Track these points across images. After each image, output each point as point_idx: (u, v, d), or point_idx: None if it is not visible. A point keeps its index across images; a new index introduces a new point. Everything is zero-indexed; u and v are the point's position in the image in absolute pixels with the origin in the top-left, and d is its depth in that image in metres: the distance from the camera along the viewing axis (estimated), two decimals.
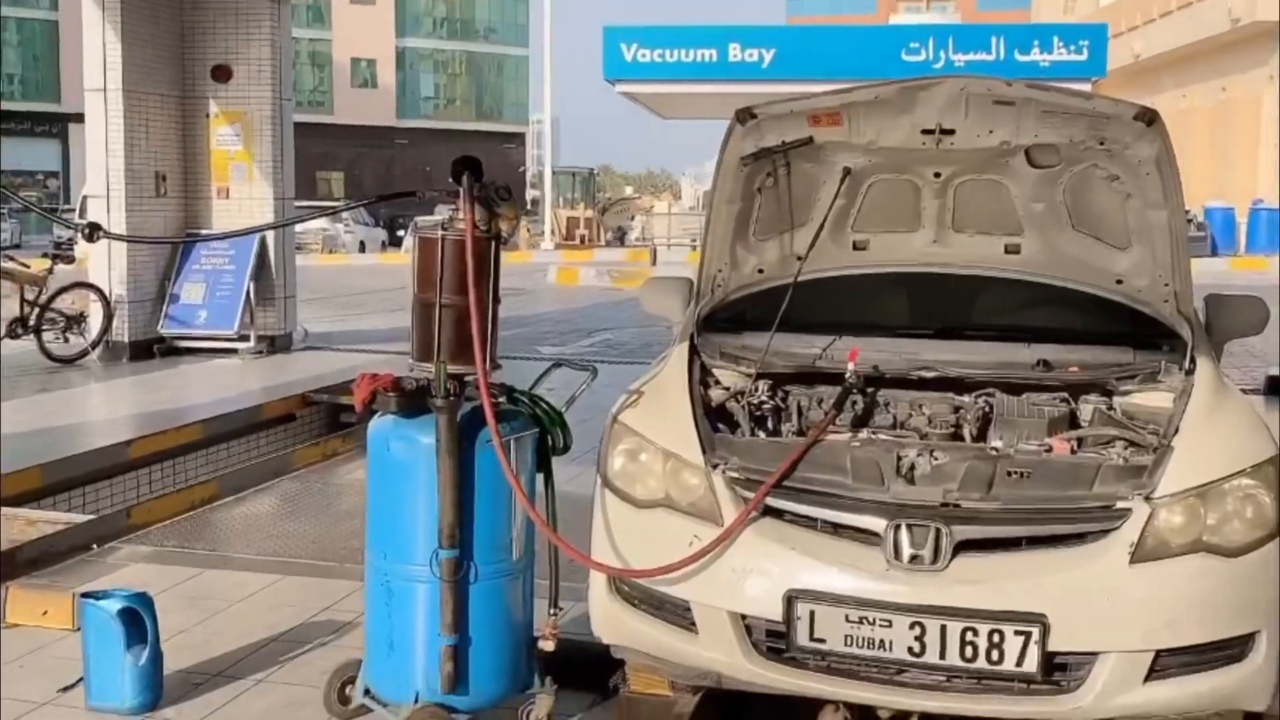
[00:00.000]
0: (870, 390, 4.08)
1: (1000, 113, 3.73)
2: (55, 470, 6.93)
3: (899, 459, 3.60)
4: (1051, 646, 3.27)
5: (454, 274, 3.52)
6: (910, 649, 3.32)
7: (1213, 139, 34.91)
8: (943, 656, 3.30)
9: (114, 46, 11.21)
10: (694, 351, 4.31)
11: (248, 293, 11.88)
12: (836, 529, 3.49)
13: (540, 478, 3.79)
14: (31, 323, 11.03)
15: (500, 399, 3.65)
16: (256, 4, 11.86)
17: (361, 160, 57.23)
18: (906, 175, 4.01)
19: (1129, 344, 4.08)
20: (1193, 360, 3.96)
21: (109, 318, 11.28)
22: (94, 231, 3.66)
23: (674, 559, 3.51)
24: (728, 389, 4.18)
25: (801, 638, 3.40)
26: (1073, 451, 3.68)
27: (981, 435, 3.90)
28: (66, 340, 11.33)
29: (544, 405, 3.77)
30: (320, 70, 57.99)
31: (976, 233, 4.14)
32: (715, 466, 3.65)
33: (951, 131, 3.81)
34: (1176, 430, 3.62)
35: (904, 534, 3.37)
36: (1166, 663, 3.34)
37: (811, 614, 3.37)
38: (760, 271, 4.30)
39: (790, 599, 3.39)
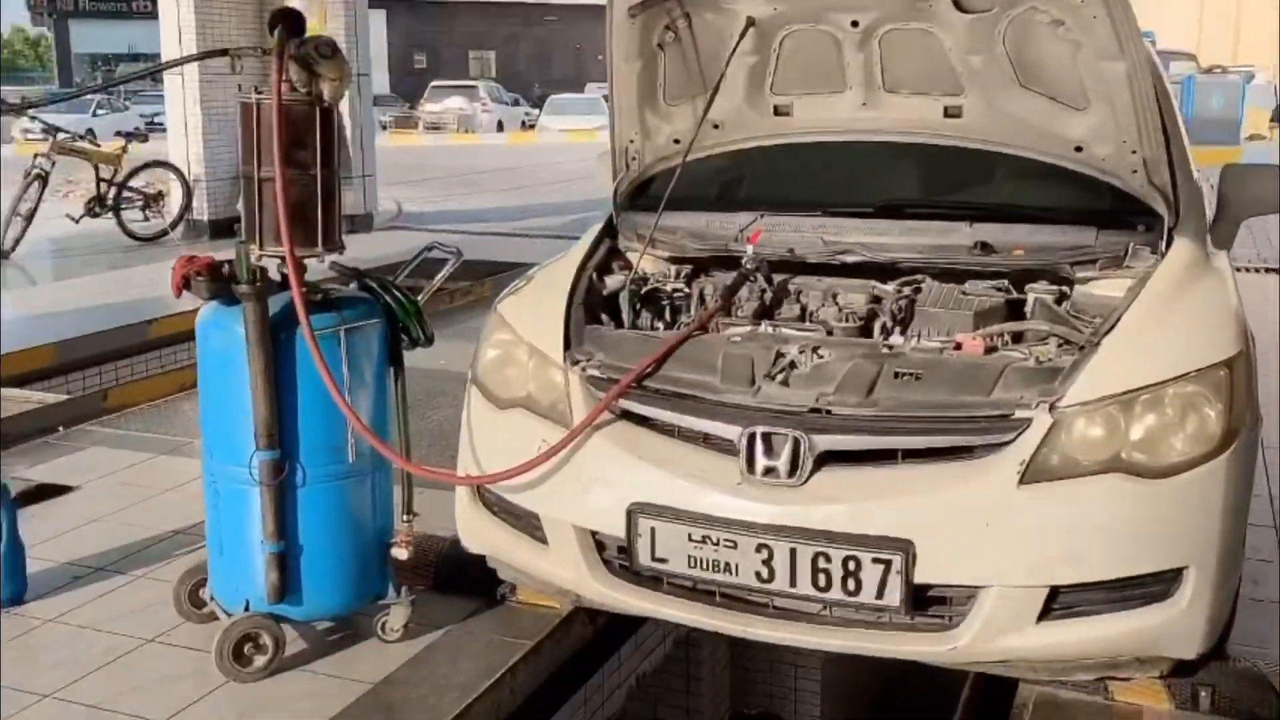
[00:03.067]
0: (784, 278, 3.59)
1: None
2: (70, 349, 6.93)
3: (778, 357, 3.13)
4: (919, 578, 2.81)
5: (275, 143, 3.15)
6: (757, 574, 2.91)
7: None
8: (793, 584, 2.88)
9: None
10: (609, 233, 3.88)
11: None
12: (694, 437, 3.06)
13: (392, 373, 3.43)
14: (110, 201, 11.14)
15: (333, 288, 3.31)
16: None
17: (515, 39, 56.91)
18: (821, 25, 3.43)
19: (1097, 223, 3.46)
20: (1170, 243, 3.35)
21: (188, 196, 11.33)
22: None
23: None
24: (642, 275, 3.75)
25: (643, 556, 3.02)
26: (987, 351, 3.13)
27: (903, 329, 3.38)
28: (146, 219, 11.45)
29: (396, 293, 3.40)
30: None
31: (911, 93, 3.54)
32: (576, 364, 3.25)
33: None
34: (1113, 326, 3.04)
35: (759, 444, 2.92)
36: (1068, 601, 2.85)
37: (653, 531, 2.99)
38: (676, 142, 3.80)
39: (631, 514, 2.99)
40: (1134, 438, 2.84)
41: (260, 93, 3.17)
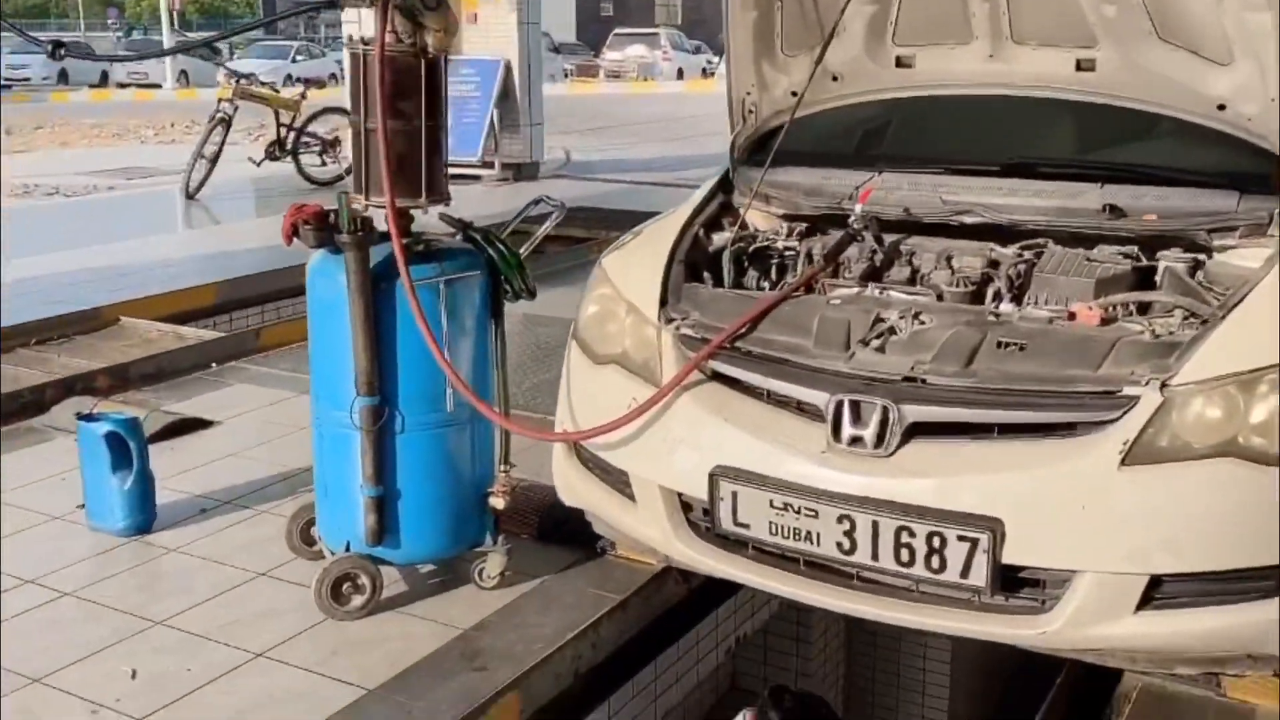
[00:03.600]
0: (898, 238, 3.45)
1: None
2: (230, 288, 7.24)
3: (876, 321, 3.02)
4: (1007, 559, 2.68)
5: (378, 94, 3.17)
6: (839, 545, 2.83)
7: None
8: (875, 558, 2.79)
9: None
10: (725, 188, 3.81)
11: (491, 120, 11.92)
12: (782, 402, 2.98)
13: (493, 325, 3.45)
14: (288, 146, 11.54)
15: (436, 239, 3.33)
16: None
17: None
18: None
19: (1240, 187, 3.22)
20: None
21: None
22: (57, 49, 3.56)
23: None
24: (753, 232, 3.67)
25: (725, 521, 2.97)
26: (1104, 322, 2.95)
27: (1020, 295, 3.22)
28: (324, 163, 11.81)
29: (499, 245, 3.40)
30: None
31: (1040, 45, 3.35)
32: (670, 322, 3.20)
33: None
34: (1241, 299, 2.82)
35: (846, 411, 2.83)
36: (1170, 591, 2.68)
37: (734, 495, 2.93)
38: (794, 94, 3.69)
39: (714, 477, 2.95)
40: (1254, 420, 2.63)
41: (367, 43, 3.20)
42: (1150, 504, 2.63)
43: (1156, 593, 2.67)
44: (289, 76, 20.45)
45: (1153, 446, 2.64)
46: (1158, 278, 3.17)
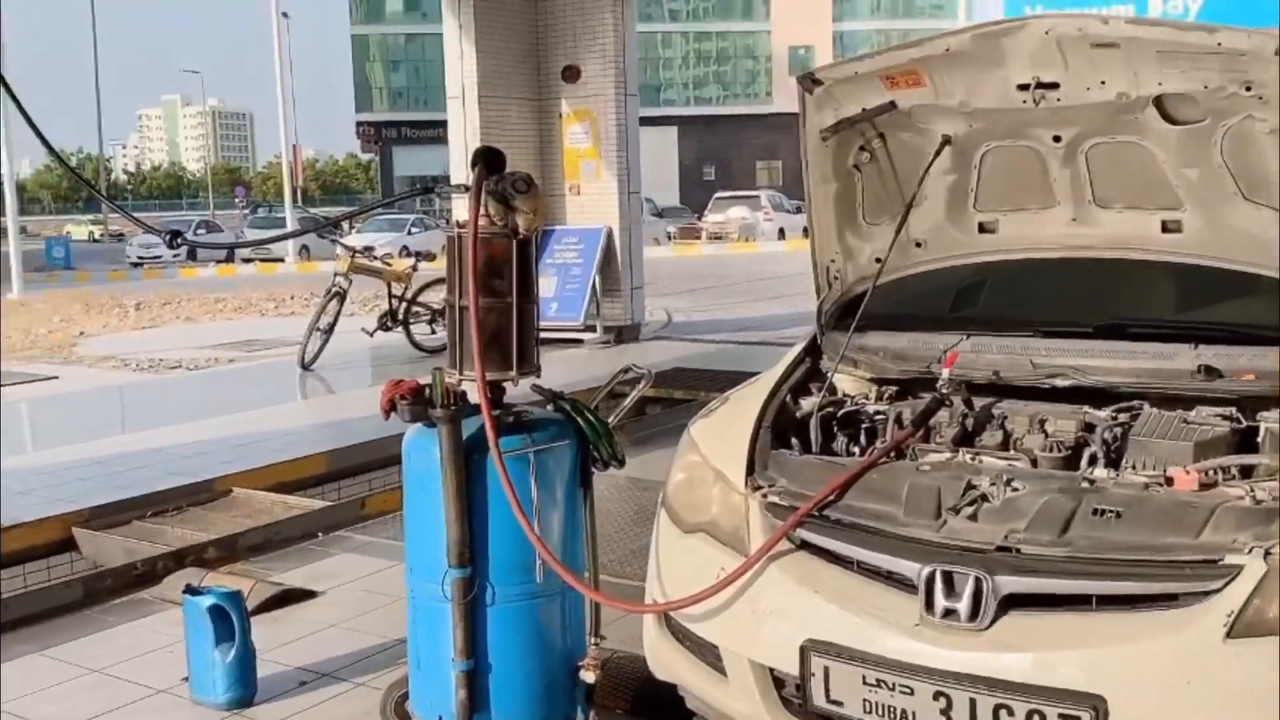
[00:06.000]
0: (988, 402, 3.42)
1: (1106, 58, 2.96)
2: (340, 457, 7.42)
3: (968, 489, 2.98)
4: None
5: (471, 273, 3.30)
6: None
7: None
8: None
9: (470, 55, 11.86)
10: (813, 353, 3.84)
11: (593, 285, 12.20)
12: (873, 572, 2.94)
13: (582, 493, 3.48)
14: (400, 316, 11.93)
15: (527, 410, 3.40)
16: (600, 3, 12.11)
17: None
18: (1022, 141, 3.31)
19: None
20: None
21: None
22: (174, 238, 3.78)
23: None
24: (840, 397, 3.68)
25: (818, 698, 2.90)
26: (1203, 487, 2.86)
27: (1116, 460, 3.15)
28: (433, 331, 12.15)
29: (588, 415, 3.46)
30: (755, 61, 59.02)
31: (1125, 208, 3.34)
32: (758, 489, 3.20)
33: (1054, 85, 3.08)
34: None
35: (938, 582, 2.77)
36: None
37: (826, 670, 2.87)
38: (878, 261, 3.73)
39: (805, 651, 2.89)
40: None
41: (462, 226, 3.34)
42: (1259, 680, 2.50)
43: None
44: (404, 249, 21.38)
45: (1260, 618, 2.53)
46: (1259, 439, 3.08)
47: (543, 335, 11.77)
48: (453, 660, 3.30)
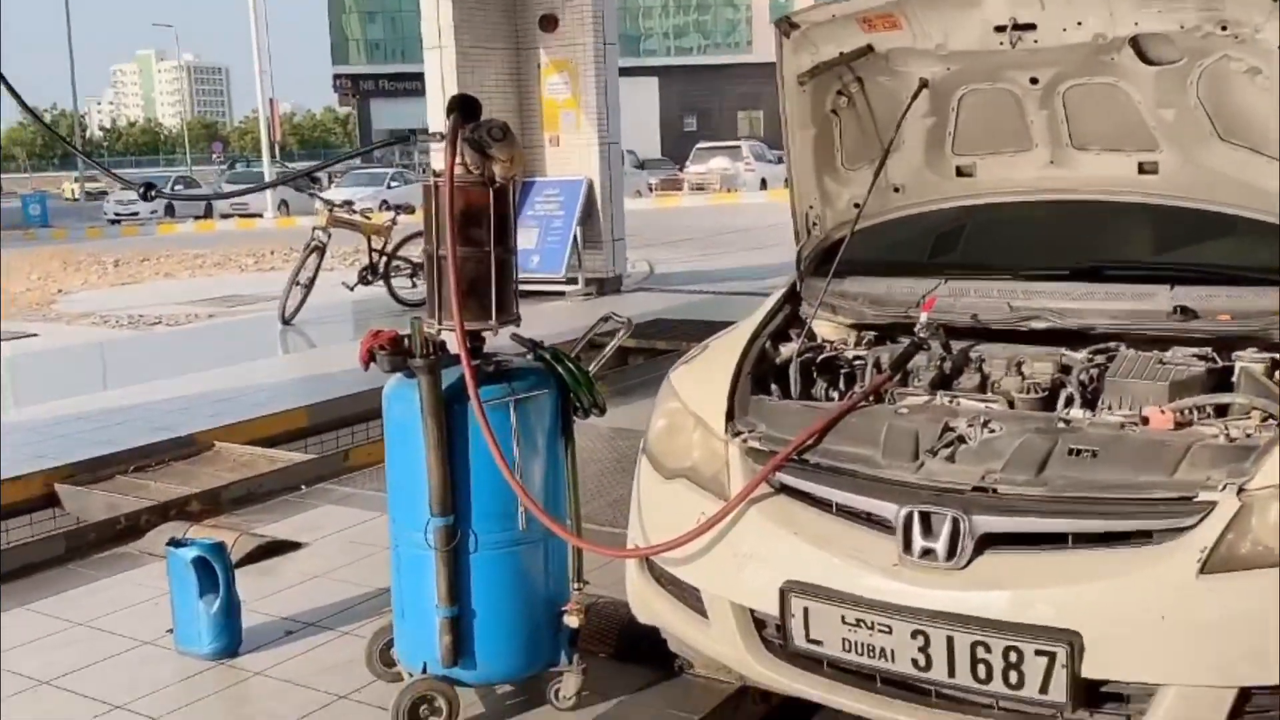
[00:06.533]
0: (966, 345, 3.44)
1: None
2: (320, 411, 7.42)
3: (945, 430, 3.00)
4: (1086, 672, 2.61)
5: (448, 222, 3.28)
6: (914, 661, 2.77)
7: None
8: (951, 674, 2.73)
9: (446, 6, 11.73)
10: (792, 299, 3.85)
11: (574, 237, 12.16)
12: (852, 514, 2.96)
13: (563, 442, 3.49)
14: (380, 270, 11.88)
15: (507, 359, 3.40)
16: None
17: None
18: (999, 84, 3.31)
19: None
20: None
21: None
22: (148, 190, 3.75)
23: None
24: (820, 343, 3.69)
25: (798, 637, 2.94)
26: (1178, 426, 2.90)
27: (1093, 401, 3.18)
28: (414, 285, 12.10)
29: (568, 363, 3.47)
30: (736, 10, 58.57)
31: (1102, 150, 3.36)
32: (738, 435, 3.22)
33: (1030, 26, 3.08)
34: None
35: (916, 523, 2.80)
36: (1262, 704, 2.58)
37: (806, 611, 2.90)
38: (856, 206, 3.73)
39: (784, 592, 2.92)
40: None
41: (439, 176, 3.32)
42: (1233, 613, 2.54)
43: (1247, 705, 2.57)
44: (384, 203, 21.29)
45: (1232, 553, 2.57)
46: (1234, 379, 3.11)
47: (524, 288, 11.71)
48: (436, 607, 3.31)
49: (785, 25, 3.38)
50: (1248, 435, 2.80)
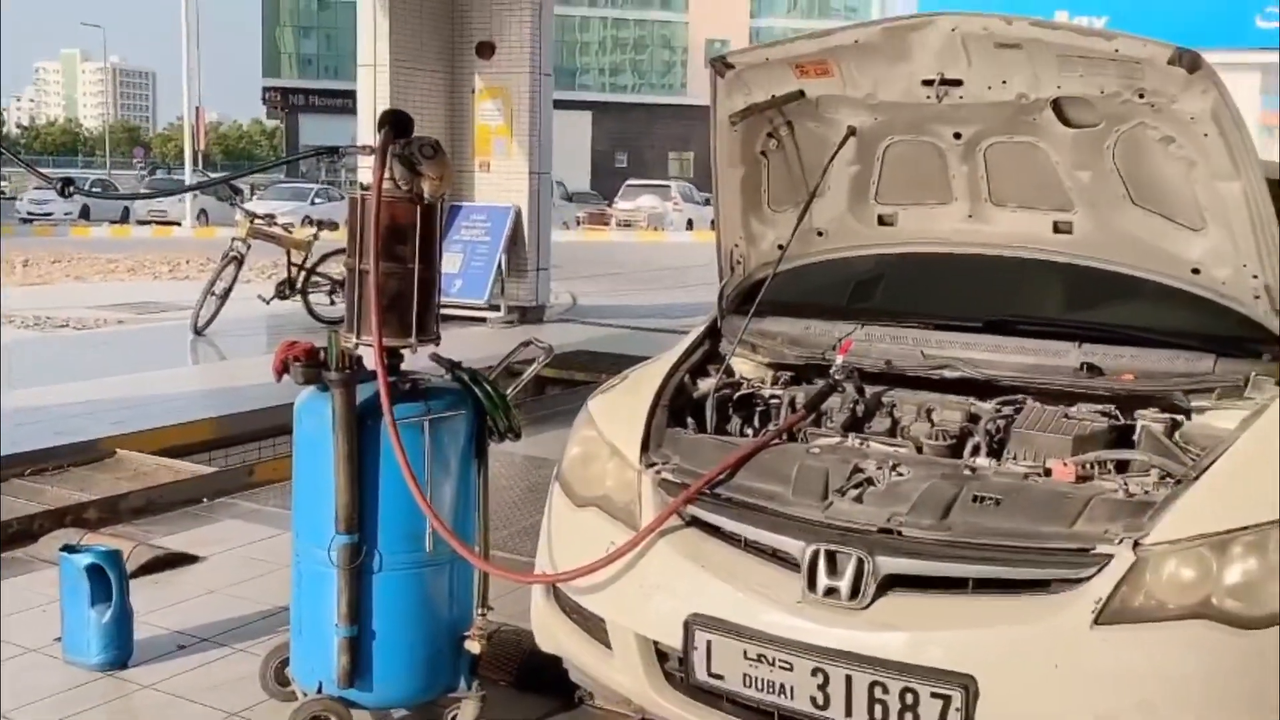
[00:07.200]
0: (879, 390, 3.49)
1: (1009, 58, 3.04)
2: (226, 424, 7.28)
3: (854, 472, 3.04)
4: (980, 717, 2.64)
5: (372, 237, 3.26)
6: (813, 699, 2.79)
7: None
8: (849, 713, 2.75)
9: (383, 24, 11.69)
10: (713, 335, 3.88)
11: (499, 264, 12.13)
12: (759, 550, 2.98)
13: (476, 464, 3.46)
14: (298, 285, 11.73)
15: (423, 378, 3.38)
16: None
17: None
18: (924, 137, 3.38)
19: (1217, 350, 3.26)
20: None
21: None
22: (66, 186, 3.68)
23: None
24: (737, 380, 3.72)
25: (699, 671, 2.94)
26: (1080, 480, 2.96)
27: (998, 452, 3.24)
28: (332, 302, 11.95)
29: (486, 385, 3.45)
30: (672, 52, 59.20)
31: (1019, 207, 3.44)
32: (651, 466, 3.23)
33: (957, 82, 3.15)
34: (1215, 460, 2.84)
35: (821, 561, 2.83)
36: None
37: (709, 644, 2.91)
38: (780, 248, 3.78)
39: (688, 625, 2.93)
40: (1228, 582, 2.62)
41: (365, 188, 3.30)
42: (1123, 665, 2.60)
43: None
44: (306, 218, 21.06)
45: (1126, 606, 2.63)
46: (1135, 437, 3.19)
47: (445, 312, 11.61)
48: (336, 626, 3.26)
49: (720, 65, 3.42)
50: (1146, 492, 2.88)
